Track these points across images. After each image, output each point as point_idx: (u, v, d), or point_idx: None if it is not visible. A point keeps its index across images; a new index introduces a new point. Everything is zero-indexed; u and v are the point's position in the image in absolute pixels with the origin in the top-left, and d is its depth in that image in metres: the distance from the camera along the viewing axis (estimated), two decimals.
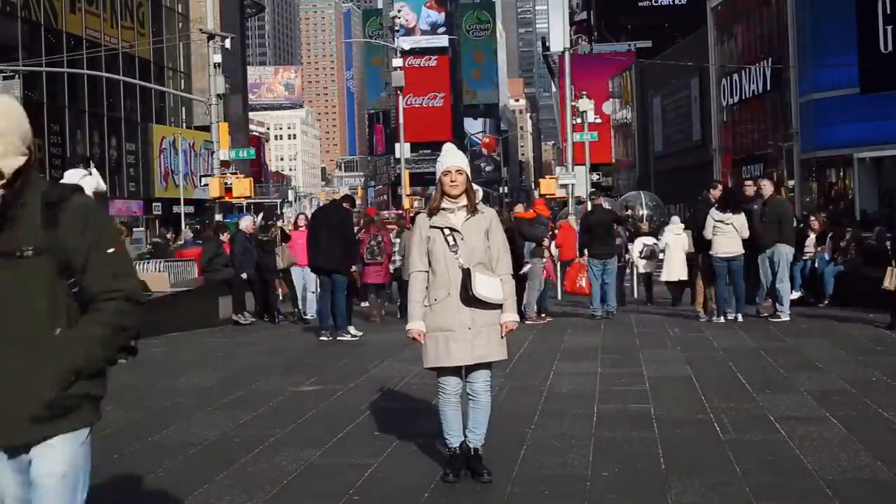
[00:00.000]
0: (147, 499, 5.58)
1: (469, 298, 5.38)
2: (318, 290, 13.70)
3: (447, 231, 5.47)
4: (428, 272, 5.53)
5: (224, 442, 6.83)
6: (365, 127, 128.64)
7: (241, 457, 6.30)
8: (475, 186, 5.71)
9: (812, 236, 16.52)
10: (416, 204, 47.55)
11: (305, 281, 16.01)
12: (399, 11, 48.92)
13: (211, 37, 29.95)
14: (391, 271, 15.51)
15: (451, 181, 5.50)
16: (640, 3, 54.48)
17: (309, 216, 15.27)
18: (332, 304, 12.25)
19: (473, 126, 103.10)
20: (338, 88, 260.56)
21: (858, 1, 29.99)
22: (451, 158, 5.57)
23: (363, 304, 16.22)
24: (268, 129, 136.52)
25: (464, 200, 5.53)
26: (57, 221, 2.83)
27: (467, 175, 5.55)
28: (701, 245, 13.31)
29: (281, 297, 16.83)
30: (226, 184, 27.85)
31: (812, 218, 17.48)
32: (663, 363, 9.76)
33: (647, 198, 41.37)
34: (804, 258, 16.15)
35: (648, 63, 48.95)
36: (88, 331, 2.86)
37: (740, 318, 12.90)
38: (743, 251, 12.72)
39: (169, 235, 32.10)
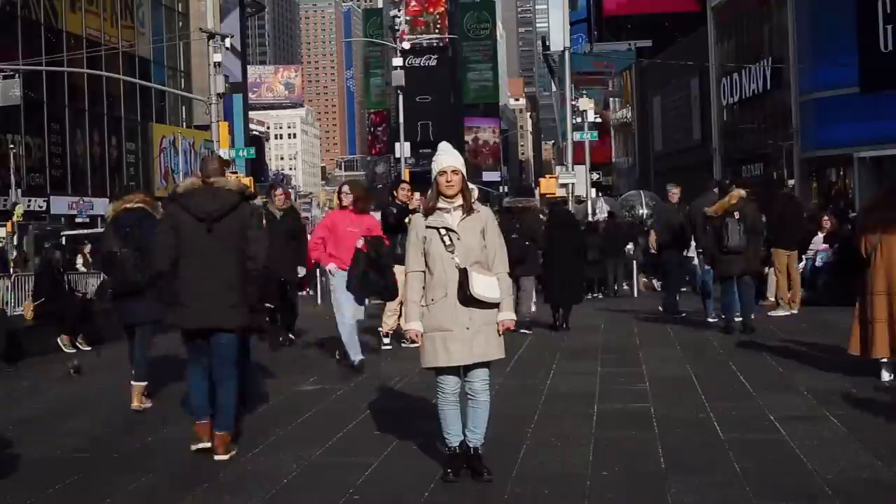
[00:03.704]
0: (148, 498, 5.58)
1: (467, 298, 5.38)
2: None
3: (443, 231, 5.47)
4: (424, 272, 5.53)
5: None
6: (365, 126, 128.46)
7: (241, 457, 6.31)
8: (470, 185, 5.71)
9: (820, 235, 16.48)
10: (416, 203, 47.54)
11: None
12: (400, 11, 48.85)
13: (211, 36, 29.95)
14: None
15: (447, 181, 5.49)
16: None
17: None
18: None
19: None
20: (338, 88, 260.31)
21: (858, 0, 29.96)
22: (447, 158, 5.57)
23: None
24: (268, 128, 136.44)
25: (459, 200, 5.53)
26: None
27: (463, 175, 5.55)
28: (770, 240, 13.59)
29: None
30: None
31: (825, 217, 17.40)
32: (663, 363, 9.75)
33: (646, 197, 41.33)
34: (806, 257, 16.12)
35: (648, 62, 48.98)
36: None
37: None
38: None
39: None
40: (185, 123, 56.17)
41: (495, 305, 5.47)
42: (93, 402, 8.70)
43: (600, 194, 44.86)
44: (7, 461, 6.33)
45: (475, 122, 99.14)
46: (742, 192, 12.18)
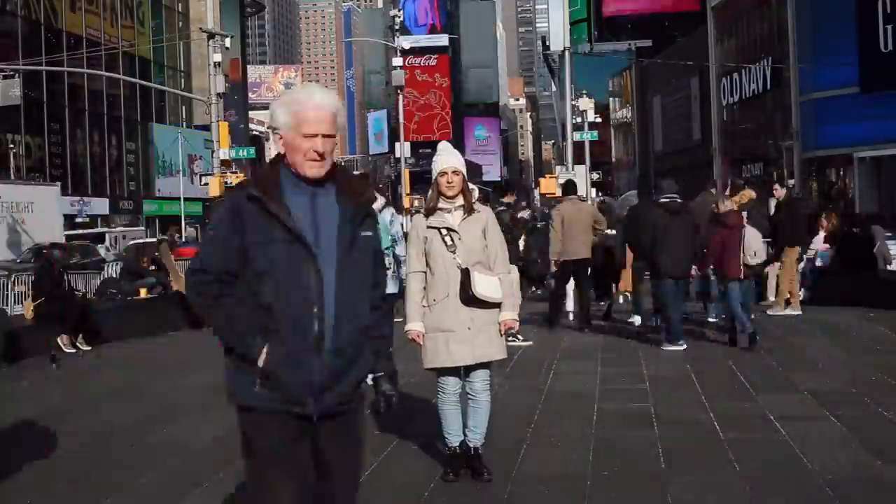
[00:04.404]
0: (148, 498, 5.58)
1: (469, 298, 5.37)
2: None
3: (444, 231, 5.46)
4: (425, 272, 5.53)
5: (224, 442, 6.81)
6: (365, 126, 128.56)
7: (241, 457, 6.29)
8: (471, 185, 5.70)
9: (820, 235, 16.44)
10: (416, 203, 47.59)
11: None
12: (400, 11, 48.83)
13: (211, 36, 29.92)
14: None
15: (448, 182, 5.49)
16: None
17: None
18: None
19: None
20: (338, 88, 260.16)
21: (858, 0, 29.97)
22: (447, 159, 5.56)
23: None
24: (268, 128, 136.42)
25: (460, 200, 5.52)
26: None
27: (463, 175, 5.54)
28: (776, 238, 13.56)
29: None
30: (226, 183, 27.83)
31: (822, 217, 17.35)
32: (663, 363, 9.75)
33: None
34: (806, 256, 16.09)
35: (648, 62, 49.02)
36: None
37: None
38: None
39: (177, 236, 32.35)
40: (185, 123, 56.17)
41: (497, 305, 5.46)
42: (93, 401, 8.69)
43: (600, 194, 44.84)
44: (7, 461, 6.33)
45: (475, 122, 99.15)
46: (753, 194, 12.28)
